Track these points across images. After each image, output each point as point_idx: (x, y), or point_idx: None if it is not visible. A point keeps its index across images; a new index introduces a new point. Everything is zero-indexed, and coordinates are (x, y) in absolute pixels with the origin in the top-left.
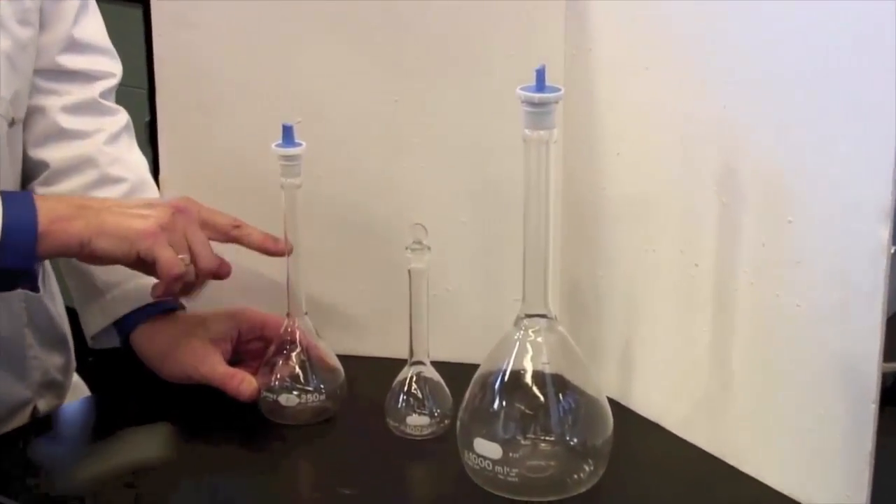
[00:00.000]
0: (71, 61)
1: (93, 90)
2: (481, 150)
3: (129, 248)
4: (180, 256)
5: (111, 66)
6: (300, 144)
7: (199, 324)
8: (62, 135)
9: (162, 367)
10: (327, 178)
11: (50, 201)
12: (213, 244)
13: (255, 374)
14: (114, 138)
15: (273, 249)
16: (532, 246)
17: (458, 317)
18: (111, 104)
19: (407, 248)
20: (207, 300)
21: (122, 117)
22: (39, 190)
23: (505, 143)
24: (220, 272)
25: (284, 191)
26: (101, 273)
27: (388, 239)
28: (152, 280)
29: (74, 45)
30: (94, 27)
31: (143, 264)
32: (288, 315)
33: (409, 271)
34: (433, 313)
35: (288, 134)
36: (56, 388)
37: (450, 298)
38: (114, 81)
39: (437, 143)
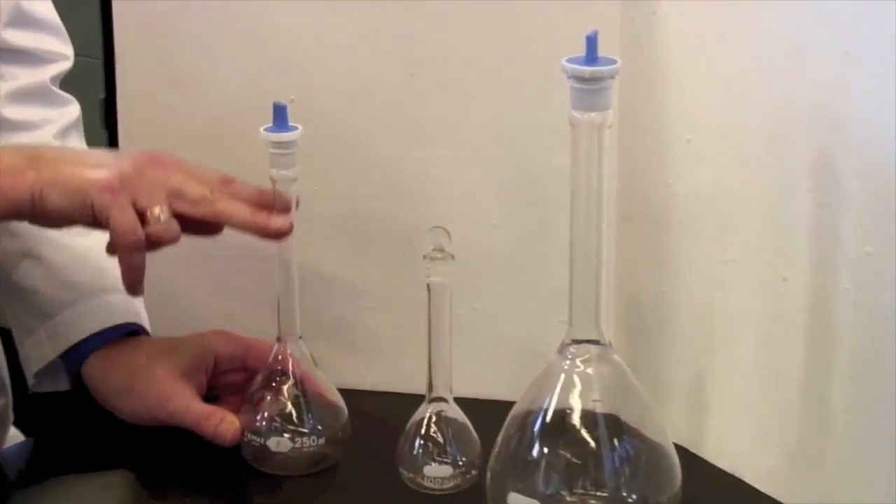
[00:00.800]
0: (18, 38)
1: (42, 74)
2: (518, 136)
3: (82, 202)
4: (155, 209)
5: (63, 48)
6: (295, 128)
7: (167, 351)
8: (5, 126)
9: (121, 404)
10: (327, 169)
11: None
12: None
13: (237, 412)
14: (64, 132)
15: (266, 228)
16: (581, 255)
17: (488, 342)
18: (62, 93)
19: (425, 257)
20: (176, 321)
21: (74, 109)
22: None
23: (548, 127)
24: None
25: (275, 185)
26: (51, 289)
27: (401, 246)
28: (115, 297)
29: (22, 18)
30: (42, 2)
31: (102, 226)
32: (278, 339)
33: (427, 285)
34: (457, 337)
35: (280, 115)
36: None
37: (478, 319)
38: (66, 66)
39: (462, 127)
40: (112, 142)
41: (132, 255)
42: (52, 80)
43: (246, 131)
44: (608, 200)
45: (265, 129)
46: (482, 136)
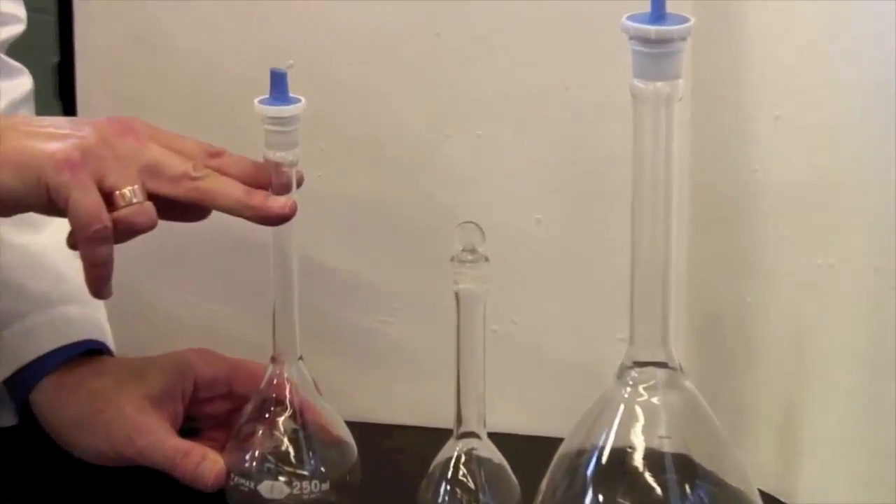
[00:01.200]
0: None
1: None
2: (567, 110)
3: (36, 181)
4: (125, 190)
5: (14, 8)
6: (297, 101)
7: (135, 374)
8: None
9: (80, 440)
10: (335, 151)
11: None
12: None
13: (221, 449)
14: (13, 109)
15: (263, 211)
16: (644, 257)
17: (530, 364)
18: (11, 62)
19: (453, 260)
20: (146, 336)
21: (26, 81)
22: None
23: (604, 100)
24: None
25: (273, 171)
26: None
27: (424, 245)
28: (73, 309)
29: None
30: None
31: (59, 211)
32: (273, 360)
33: (455, 294)
34: (493, 359)
35: (278, 84)
36: None
37: (518, 336)
38: (18, 29)
39: (499, 99)
40: (68, 115)
41: (97, 246)
42: (0, 45)
43: (235, 104)
44: (678, 190)
45: (260, 102)
46: (523, 110)
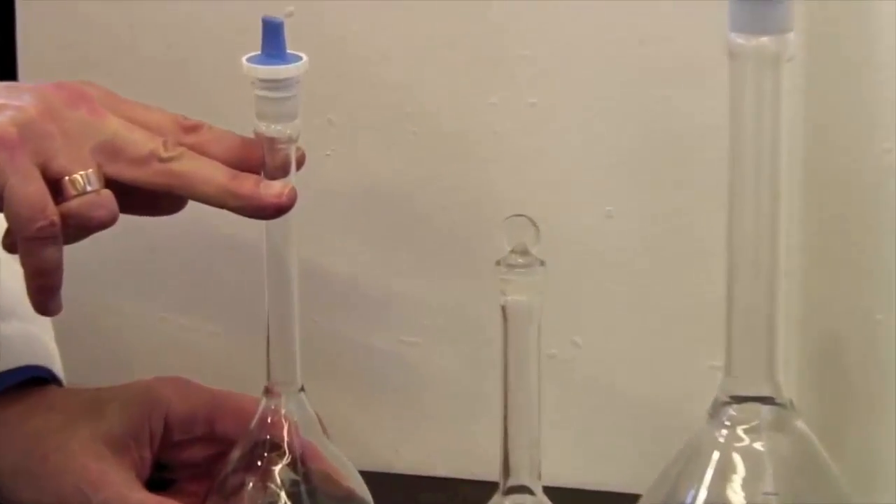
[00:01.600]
0: None
1: None
2: (643, 72)
3: None
4: (77, 175)
5: None
6: (298, 59)
7: (91, 409)
8: None
9: (16, 493)
10: (345, 125)
11: None
12: None
13: None
14: None
15: (252, 200)
16: (744, 263)
17: (596, 400)
18: None
19: (499, 264)
20: (104, 361)
21: None
22: None
23: (692, 59)
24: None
25: (266, 149)
26: None
27: (462, 245)
28: (11, 327)
29: None
30: None
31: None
32: (267, 392)
33: (502, 308)
34: (549, 391)
35: (272, 37)
36: None
37: (581, 362)
38: None
39: (557, 58)
40: (4, 79)
41: (41, 248)
42: None
43: (218, 64)
44: (788, 176)
45: (249, 60)
46: (588, 71)
